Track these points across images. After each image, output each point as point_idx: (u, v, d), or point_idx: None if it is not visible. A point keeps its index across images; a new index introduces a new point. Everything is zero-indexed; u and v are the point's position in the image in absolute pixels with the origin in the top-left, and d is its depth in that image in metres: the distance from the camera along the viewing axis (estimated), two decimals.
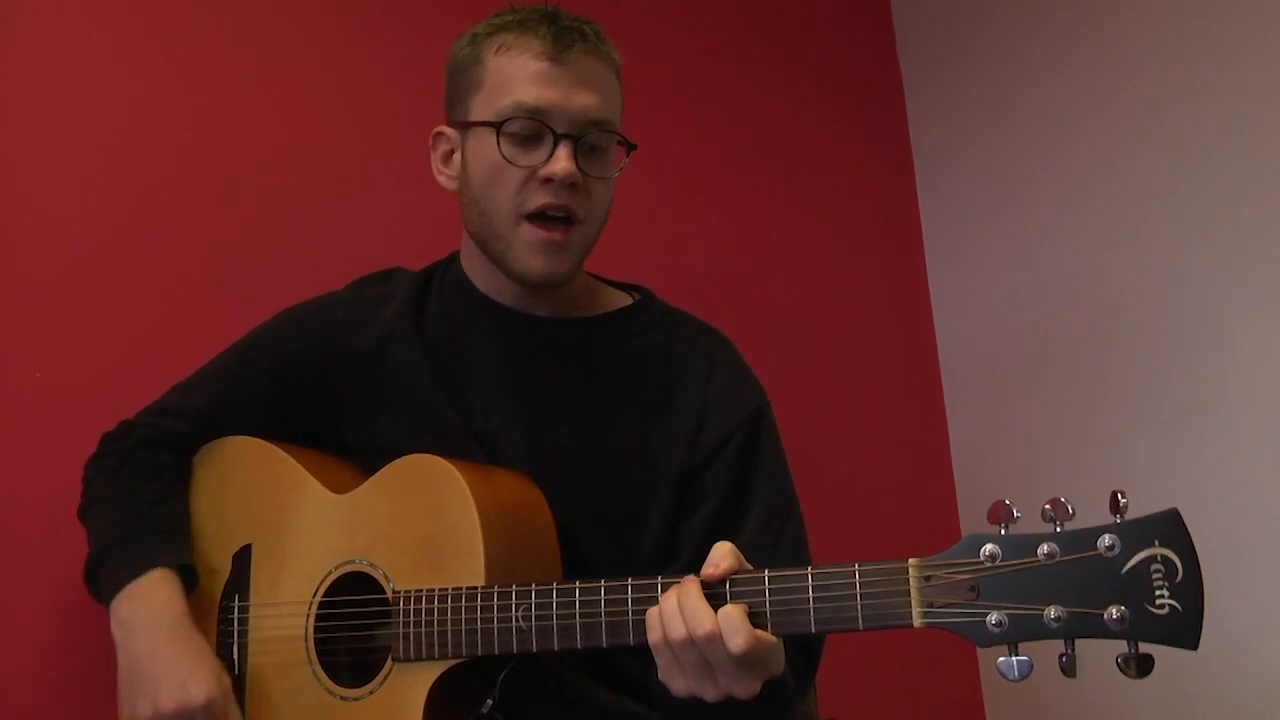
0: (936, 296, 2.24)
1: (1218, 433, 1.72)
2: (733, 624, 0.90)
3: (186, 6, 1.63)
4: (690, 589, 0.93)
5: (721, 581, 0.94)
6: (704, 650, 0.91)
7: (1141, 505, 0.86)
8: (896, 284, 2.23)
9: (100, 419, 1.33)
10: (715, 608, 0.92)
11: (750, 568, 0.96)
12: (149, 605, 1.15)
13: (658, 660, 0.95)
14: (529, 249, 1.14)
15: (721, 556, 0.95)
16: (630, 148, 1.19)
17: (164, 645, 1.12)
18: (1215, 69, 1.75)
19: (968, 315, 2.18)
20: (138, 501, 1.23)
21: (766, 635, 0.92)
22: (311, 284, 1.36)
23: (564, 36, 1.13)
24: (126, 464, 1.27)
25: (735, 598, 0.94)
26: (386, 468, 1.16)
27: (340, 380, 1.26)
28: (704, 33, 2.10)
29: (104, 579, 1.18)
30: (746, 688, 0.92)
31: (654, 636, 0.94)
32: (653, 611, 0.95)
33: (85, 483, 1.30)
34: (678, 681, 0.94)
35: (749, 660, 0.90)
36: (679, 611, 0.92)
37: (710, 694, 0.93)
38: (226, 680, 1.14)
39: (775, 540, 1.16)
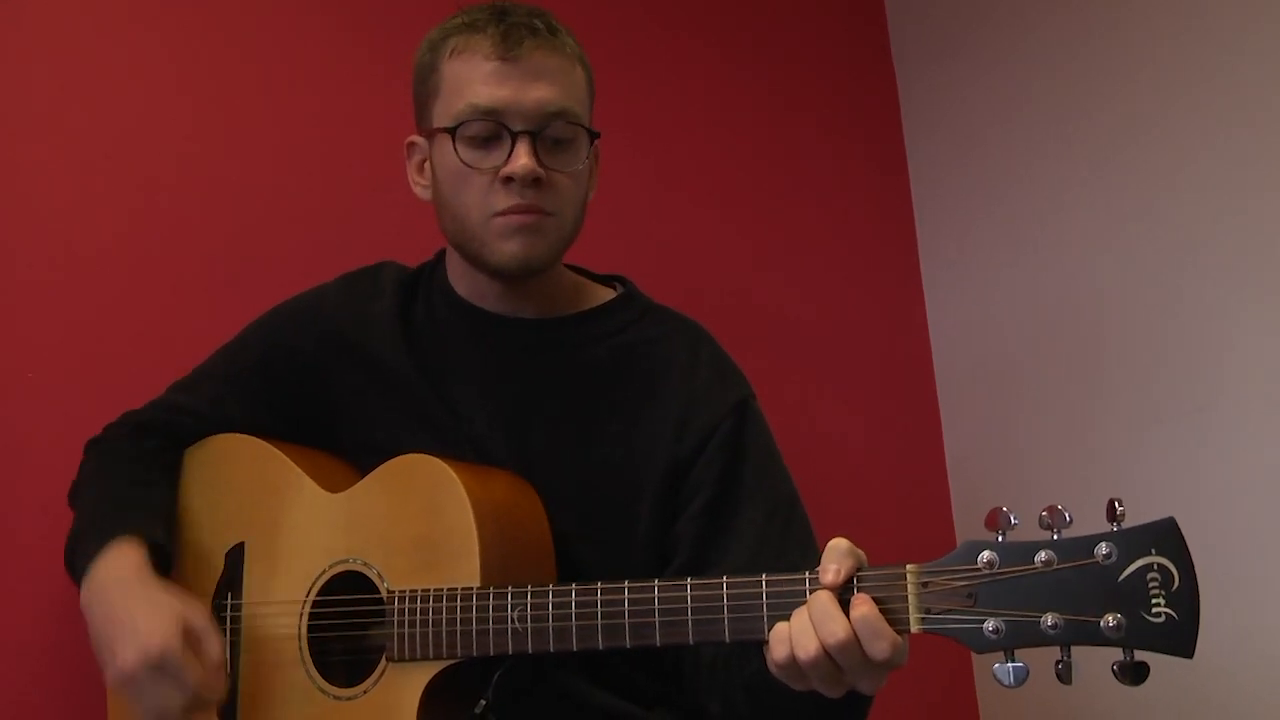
0: (931, 296, 2.24)
1: (1214, 431, 1.72)
2: (873, 629, 0.86)
3: (185, 7, 1.62)
4: (819, 597, 0.89)
5: (849, 586, 0.90)
6: (837, 657, 0.87)
7: (1138, 504, 0.86)
8: (890, 286, 2.23)
9: (92, 420, 1.33)
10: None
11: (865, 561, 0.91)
12: (109, 569, 1.12)
13: (780, 675, 0.91)
14: (501, 237, 1.14)
15: (840, 558, 0.90)
16: (593, 136, 1.18)
17: (120, 602, 1.09)
18: (1209, 70, 1.75)
19: (962, 315, 2.17)
20: (118, 483, 1.23)
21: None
22: (310, 284, 1.35)
23: (513, 33, 1.12)
24: (114, 449, 1.28)
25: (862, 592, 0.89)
26: (382, 467, 1.16)
27: (334, 375, 1.26)
28: (697, 32, 2.09)
29: (78, 557, 1.17)
30: (875, 684, 0.89)
31: (779, 654, 0.89)
32: (780, 627, 0.90)
33: (79, 469, 1.31)
34: (798, 685, 0.91)
35: (891, 663, 0.88)
36: (809, 625, 0.88)
37: (835, 693, 0.90)
38: (193, 618, 1.08)
39: (783, 532, 1.15)
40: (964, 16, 2.17)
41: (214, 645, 1.09)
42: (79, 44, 1.54)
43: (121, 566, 1.13)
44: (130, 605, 1.09)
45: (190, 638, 1.07)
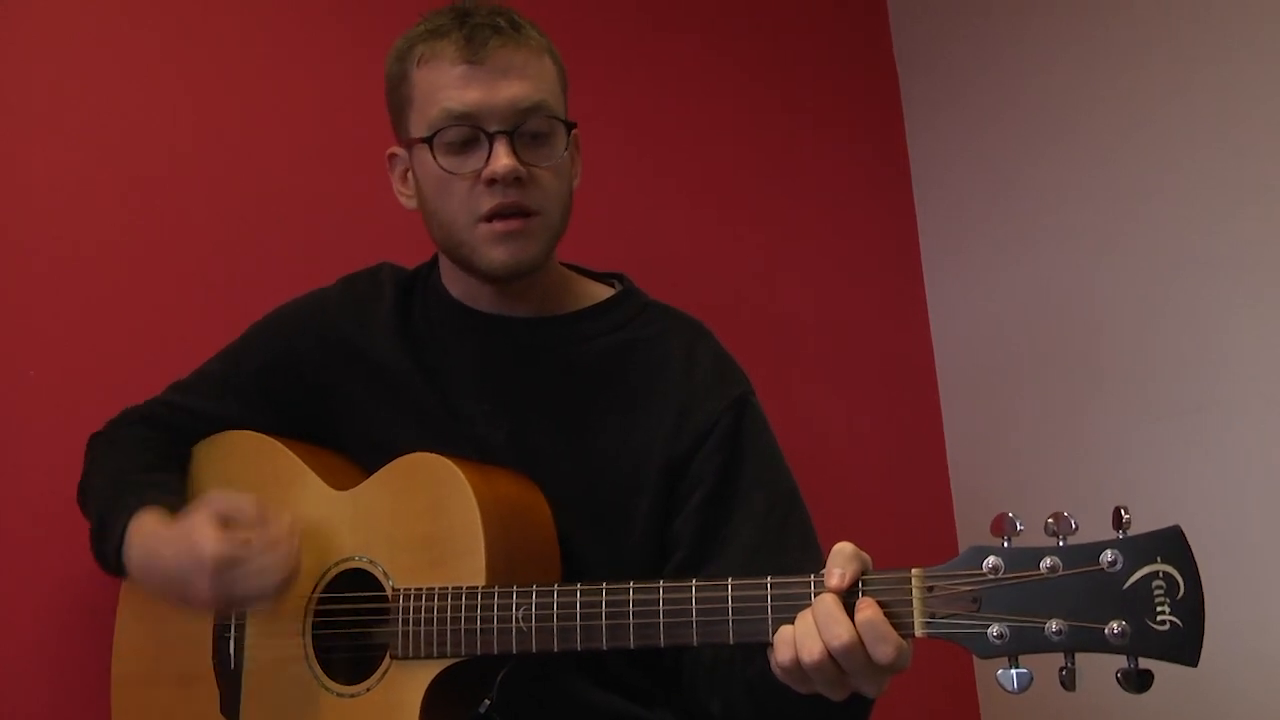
0: (932, 295, 2.24)
1: (1212, 430, 1.73)
2: (878, 632, 0.87)
3: (185, 6, 1.62)
4: (824, 600, 0.89)
5: (854, 590, 0.90)
6: (841, 661, 0.87)
7: (1137, 503, 0.87)
8: (892, 284, 2.23)
9: (95, 418, 1.34)
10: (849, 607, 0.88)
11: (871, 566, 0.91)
12: (143, 538, 1.15)
13: (783, 678, 0.92)
14: (489, 244, 1.13)
15: (845, 561, 0.90)
16: (570, 127, 1.17)
17: (164, 556, 1.11)
18: (1210, 69, 1.75)
19: (964, 314, 2.17)
20: (129, 468, 1.25)
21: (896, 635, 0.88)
22: (309, 283, 1.36)
23: (476, 34, 1.12)
24: (119, 439, 1.29)
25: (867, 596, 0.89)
26: (388, 465, 1.16)
27: (335, 376, 1.27)
28: (697, 31, 2.09)
29: (107, 544, 1.18)
30: (878, 687, 0.90)
31: (784, 656, 0.90)
32: (785, 629, 0.91)
33: (84, 462, 1.32)
34: (800, 688, 0.91)
35: (894, 666, 0.88)
36: (814, 628, 0.88)
37: (838, 696, 0.90)
38: (215, 506, 1.11)
39: (781, 526, 1.15)
40: (965, 15, 2.17)
41: (246, 508, 1.10)
42: (79, 43, 1.54)
43: (150, 525, 1.15)
44: (171, 551, 1.11)
45: (227, 522, 1.09)
